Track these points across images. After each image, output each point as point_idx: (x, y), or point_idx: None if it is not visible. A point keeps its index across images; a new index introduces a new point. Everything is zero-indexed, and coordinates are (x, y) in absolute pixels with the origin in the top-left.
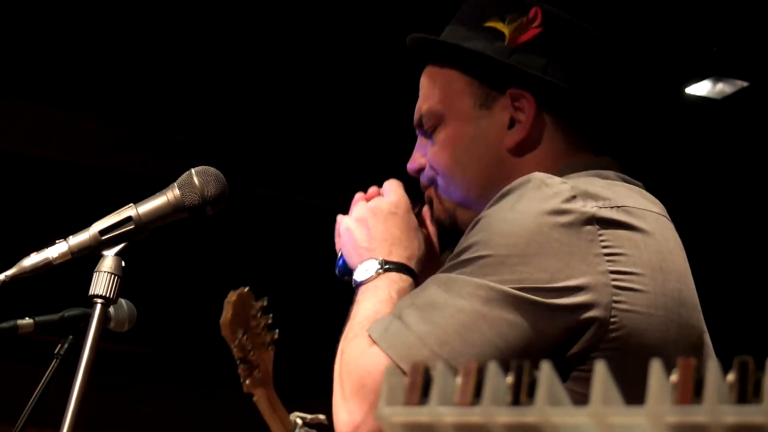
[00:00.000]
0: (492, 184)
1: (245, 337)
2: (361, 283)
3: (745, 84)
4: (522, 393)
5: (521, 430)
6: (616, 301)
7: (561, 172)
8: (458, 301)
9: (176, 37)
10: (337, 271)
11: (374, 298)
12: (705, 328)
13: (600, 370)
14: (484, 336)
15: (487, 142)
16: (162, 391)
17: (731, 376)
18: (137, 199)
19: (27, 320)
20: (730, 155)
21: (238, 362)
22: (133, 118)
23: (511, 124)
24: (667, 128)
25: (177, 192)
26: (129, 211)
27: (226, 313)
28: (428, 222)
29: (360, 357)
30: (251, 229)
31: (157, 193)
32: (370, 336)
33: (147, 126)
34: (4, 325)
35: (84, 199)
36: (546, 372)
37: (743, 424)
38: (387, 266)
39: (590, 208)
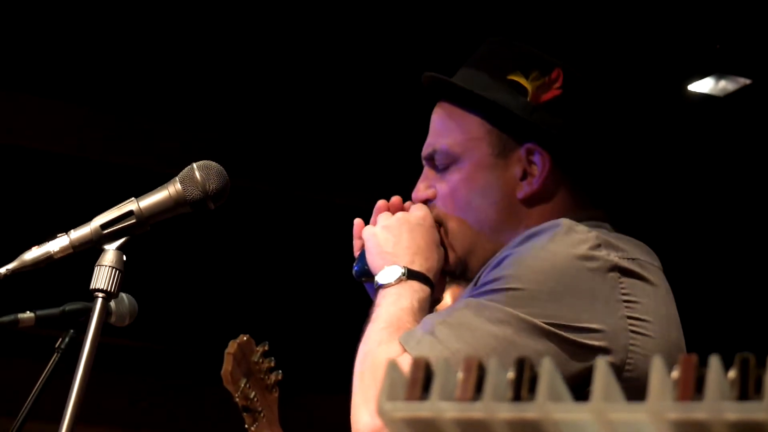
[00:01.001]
0: (501, 228)
1: (247, 385)
2: (382, 286)
3: (747, 81)
4: (523, 389)
5: (522, 426)
6: (631, 344)
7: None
8: (490, 327)
9: (179, 31)
10: (354, 273)
11: (396, 305)
12: None
13: (601, 367)
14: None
15: (501, 190)
16: (163, 386)
17: (732, 373)
18: (139, 194)
19: (28, 314)
20: (733, 153)
21: (241, 410)
22: (136, 112)
23: (524, 176)
24: (670, 126)
25: (179, 186)
26: (130, 205)
27: (227, 365)
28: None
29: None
30: (253, 224)
31: (159, 188)
32: (401, 345)
33: (149, 120)
34: (5, 318)
35: (85, 193)
36: (547, 368)
37: (744, 420)
38: (409, 273)
39: (613, 257)
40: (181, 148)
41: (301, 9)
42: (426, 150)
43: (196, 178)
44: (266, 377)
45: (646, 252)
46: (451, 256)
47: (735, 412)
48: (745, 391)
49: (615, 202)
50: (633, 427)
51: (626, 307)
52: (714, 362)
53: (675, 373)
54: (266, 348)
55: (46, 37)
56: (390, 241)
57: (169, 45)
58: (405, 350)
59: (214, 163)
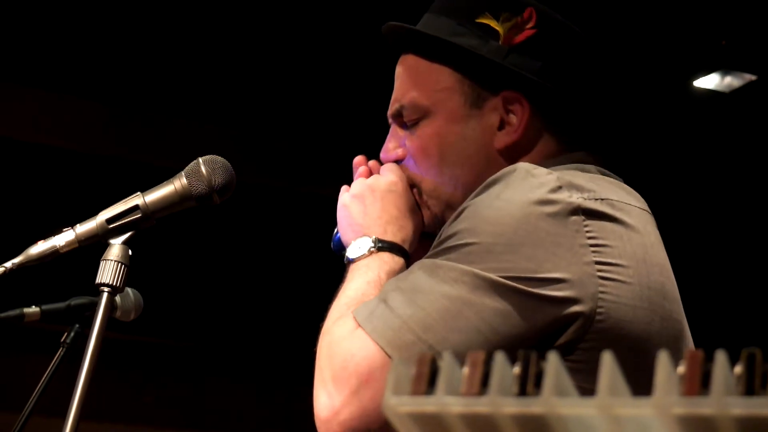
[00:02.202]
0: (480, 183)
1: None
2: (352, 260)
3: (753, 77)
4: (529, 383)
5: (528, 421)
6: (602, 292)
7: (545, 166)
8: (443, 287)
9: (184, 25)
10: (332, 246)
11: (363, 278)
12: (686, 321)
13: (607, 361)
14: (470, 322)
15: (476, 142)
16: (168, 381)
17: (739, 368)
18: (144, 188)
19: (33, 308)
20: (738, 148)
21: None
22: (142, 107)
23: (501, 125)
24: (675, 121)
25: (184, 181)
26: (136, 199)
27: None
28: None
29: (344, 339)
30: (258, 219)
31: (165, 182)
32: (355, 318)
33: (155, 115)
34: (11, 313)
35: (91, 187)
36: (553, 363)
37: (751, 416)
38: (380, 245)
39: (576, 198)
40: (187, 143)
41: (309, 5)
42: (392, 107)
43: (202, 172)
44: None
45: (627, 192)
46: (428, 216)
47: (741, 407)
48: (752, 386)
49: (601, 144)
50: (639, 422)
51: (593, 251)
52: (720, 357)
53: (681, 368)
54: None
55: (48, 29)
56: (360, 210)
57: (176, 41)
58: (359, 324)
59: (219, 158)
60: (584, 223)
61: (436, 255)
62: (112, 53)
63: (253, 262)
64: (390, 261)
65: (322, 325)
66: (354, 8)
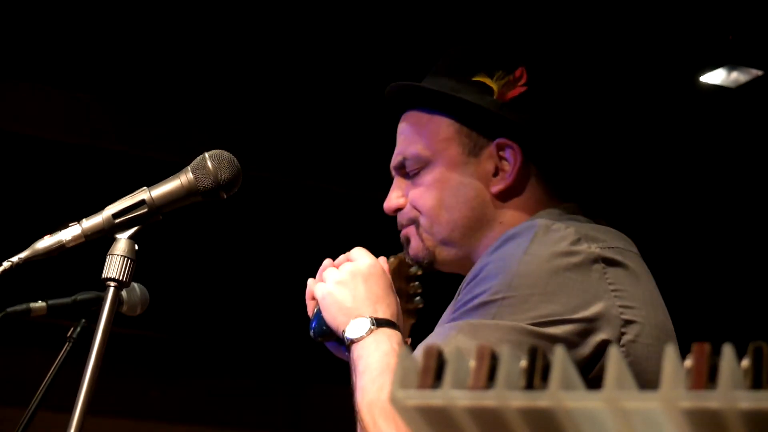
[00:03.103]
0: (476, 226)
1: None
2: (354, 341)
3: (759, 73)
4: (536, 377)
5: (535, 415)
6: (623, 332)
7: (540, 217)
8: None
9: (191, 21)
10: (312, 333)
11: (379, 351)
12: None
13: (614, 355)
14: None
15: (474, 187)
16: (174, 376)
17: (746, 362)
18: (151, 183)
19: (40, 303)
20: (745, 144)
21: None
22: (149, 102)
23: (496, 172)
24: (682, 117)
25: (190, 175)
26: (142, 194)
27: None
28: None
29: None
30: (265, 214)
31: (171, 177)
32: None
33: (162, 110)
34: (17, 308)
35: (98, 182)
36: (560, 356)
37: (757, 409)
38: (378, 323)
39: (594, 248)
40: (193, 138)
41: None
42: (395, 159)
43: (208, 167)
44: (409, 301)
45: (622, 239)
46: (420, 248)
47: (748, 401)
48: (759, 380)
49: (586, 192)
50: (646, 416)
51: (615, 296)
52: (727, 351)
53: (688, 362)
54: (420, 273)
55: (55, 26)
56: (347, 295)
57: (181, 36)
58: None
59: (226, 153)
60: (604, 270)
61: (469, 313)
62: (118, 49)
63: (259, 257)
64: (392, 335)
65: (356, 403)
66: (362, 4)
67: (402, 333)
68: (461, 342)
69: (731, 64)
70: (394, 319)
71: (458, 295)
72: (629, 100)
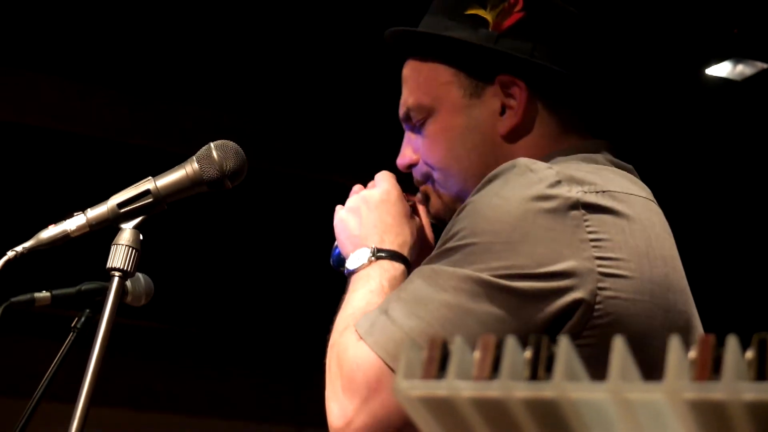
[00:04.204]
0: (488, 172)
1: None
2: (353, 272)
3: (765, 66)
4: (540, 368)
5: (539, 405)
6: (600, 288)
7: (550, 157)
8: (443, 296)
9: (197, 12)
10: (331, 262)
11: (365, 288)
12: (694, 311)
13: (619, 345)
14: (471, 331)
15: (480, 131)
16: (178, 367)
17: (750, 353)
18: (156, 173)
19: (44, 293)
20: (750, 137)
21: None
22: (155, 93)
23: (503, 110)
24: (687, 109)
25: (196, 165)
26: (147, 184)
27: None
28: (422, 213)
29: (348, 351)
30: (270, 205)
31: (176, 167)
32: (357, 331)
33: (168, 101)
34: (21, 298)
35: (103, 173)
36: (564, 347)
37: (762, 401)
38: (379, 254)
39: (575, 193)
40: (198, 128)
41: None
42: (401, 111)
43: (214, 157)
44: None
45: (630, 182)
46: (440, 205)
47: (752, 392)
48: (763, 371)
49: (615, 126)
50: (650, 407)
51: (593, 246)
52: (731, 342)
53: (692, 353)
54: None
55: (62, 16)
56: (356, 222)
57: (186, 26)
58: (360, 337)
59: (231, 143)
60: (584, 217)
61: (436, 258)
62: (125, 40)
63: (264, 248)
64: (390, 268)
65: (329, 338)
66: None
67: (405, 268)
68: (419, 288)
69: (737, 57)
70: (401, 250)
71: (443, 234)
72: (634, 94)
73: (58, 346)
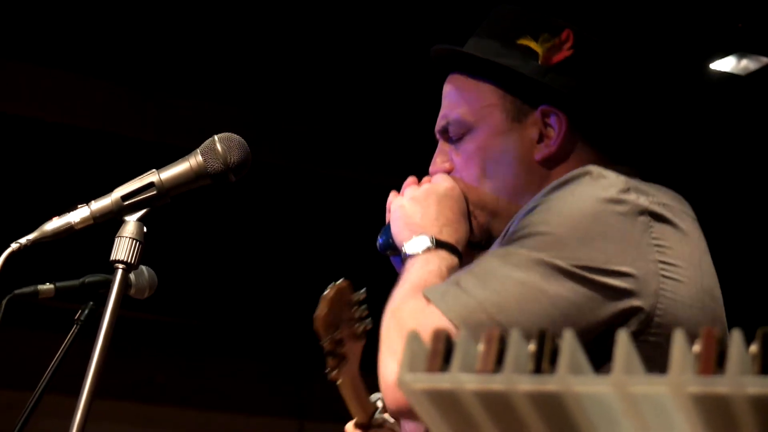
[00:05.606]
0: (521, 193)
1: (338, 332)
2: (410, 255)
3: None
4: (544, 361)
5: (543, 398)
6: (662, 290)
7: None
8: (517, 273)
9: (203, 6)
10: (378, 245)
11: (424, 269)
12: (726, 324)
13: (623, 339)
14: (543, 308)
15: (517, 154)
16: (181, 360)
17: (754, 348)
18: (160, 166)
19: (47, 285)
20: (755, 131)
21: (326, 354)
22: (160, 87)
23: (540, 138)
24: (691, 104)
25: (200, 158)
26: (151, 176)
27: (321, 311)
28: None
29: (416, 315)
30: (275, 199)
31: (180, 160)
32: (426, 297)
33: (173, 95)
34: (25, 290)
35: (108, 166)
36: (568, 340)
37: (765, 395)
38: (438, 244)
39: (643, 201)
40: (202, 122)
41: None
42: (439, 123)
43: (218, 150)
44: (357, 325)
45: (678, 200)
46: (475, 226)
47: (756, 386)
48: (767, 366)
49: (638, 159)
50: (654, 400)
51: (657, 251)
52: (736, 336)
53: (696, 347)
54: (363, 296)
55: (65, 8)
56: (418, 212)
57: (191, 17)
58: (430, 302)
59: (235, 136)
60: (650, 224)
61: (508, 244)
62: (130, 33)
63: (268, 242)
64: (447, 258)
65: (386, 308)
66: None
67: (464, 262)
68: (491, 264)
69: (741, 52)
70: (457, 245)
71: (504, 233)
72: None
73: (61, 339)
